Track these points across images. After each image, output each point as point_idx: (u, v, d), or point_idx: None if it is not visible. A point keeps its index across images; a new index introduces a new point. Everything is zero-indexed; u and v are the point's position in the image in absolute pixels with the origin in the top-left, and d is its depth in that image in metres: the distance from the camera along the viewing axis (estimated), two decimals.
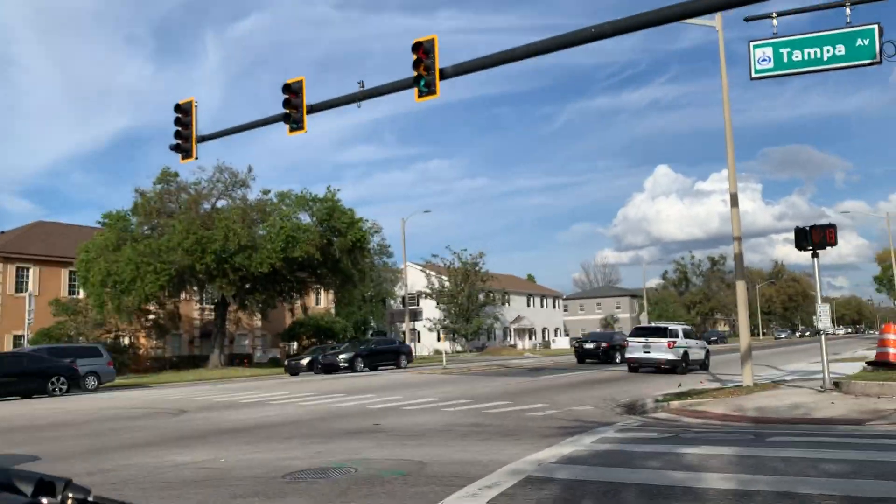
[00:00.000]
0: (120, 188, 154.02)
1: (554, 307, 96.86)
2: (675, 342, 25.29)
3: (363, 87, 14.53)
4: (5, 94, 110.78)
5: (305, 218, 41.45)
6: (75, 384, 24.94)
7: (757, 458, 7.64)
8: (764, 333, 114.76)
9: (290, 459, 8.63)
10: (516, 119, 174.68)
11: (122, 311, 38.70)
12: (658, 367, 25.39)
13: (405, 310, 51.64)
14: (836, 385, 15.00)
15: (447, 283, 70.15)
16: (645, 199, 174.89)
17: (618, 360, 32.34)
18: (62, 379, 24.25)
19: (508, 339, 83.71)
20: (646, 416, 12.79)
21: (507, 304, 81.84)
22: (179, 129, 16.86)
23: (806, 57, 12.21)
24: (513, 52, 12.91)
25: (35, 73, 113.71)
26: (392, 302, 71.79)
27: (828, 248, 15.45)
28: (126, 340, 45.08)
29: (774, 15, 12.63)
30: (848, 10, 11.88)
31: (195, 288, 43.87)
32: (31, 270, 44.46)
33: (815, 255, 15.61)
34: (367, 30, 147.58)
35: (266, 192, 42.59)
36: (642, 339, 26.05)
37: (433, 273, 70.90)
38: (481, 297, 71.32)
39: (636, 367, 26.18)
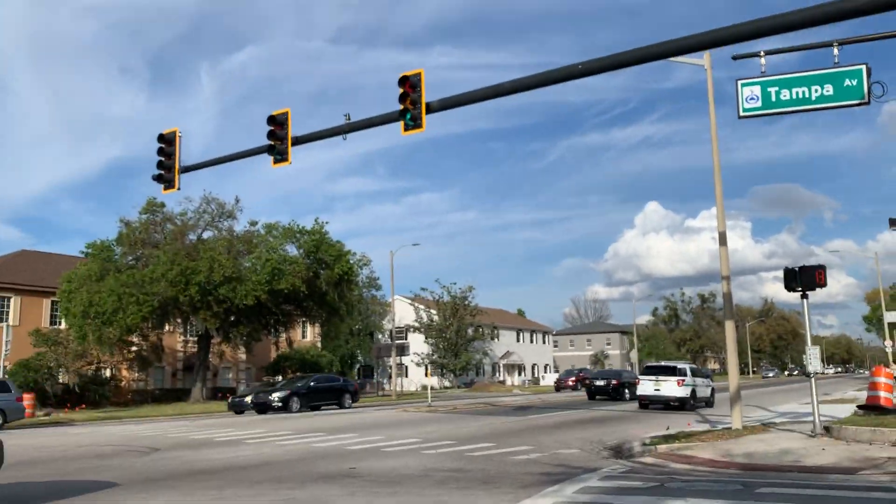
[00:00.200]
0: (109, 218, 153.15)
1: (544, 342, 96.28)
2: (683, 380, 26.82)
3: (349, 119, 14.37)
4: None
5: (292, 250, 41.12)
6: None
7: None
8: (754, 371, 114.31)
9: None
10: (508, 154, 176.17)
11: (104, 343, 37.97)
12: (667, 404, 26.89)
13: (392, 344, 51.05)
14: (827, 430, 14.64)
15: (436, 317, 69.62)
16: (635, 234, 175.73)
17: (627, 397, 34.28)
18: None
19: (497, 374, 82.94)
20: (633, 461, 12.38)
21: (496, 339, 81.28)
22: (162, 159, 16.63)
23: (794, 96, 12.10)
24: (499, 88, 12.78)
25: (28, 100, 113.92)
26: (380, 336, 71.11)
27: (817, 289, 15.23)
28: (108, 372, 44.22)
29: (762, 54, 12.54)
30: (836, 51, 11.80)
31: (179, 320, 43.20)
32: (12, 300, 43.73)
33: (804, 297, 15.37)
34: (361, 64, 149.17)
35: (253, 224, 42.31)
36: (653, 377, 27.47)
37: (422, 307, 70.40)
38: (470, 331, 70.80)
39: (647, 403, 27.60)
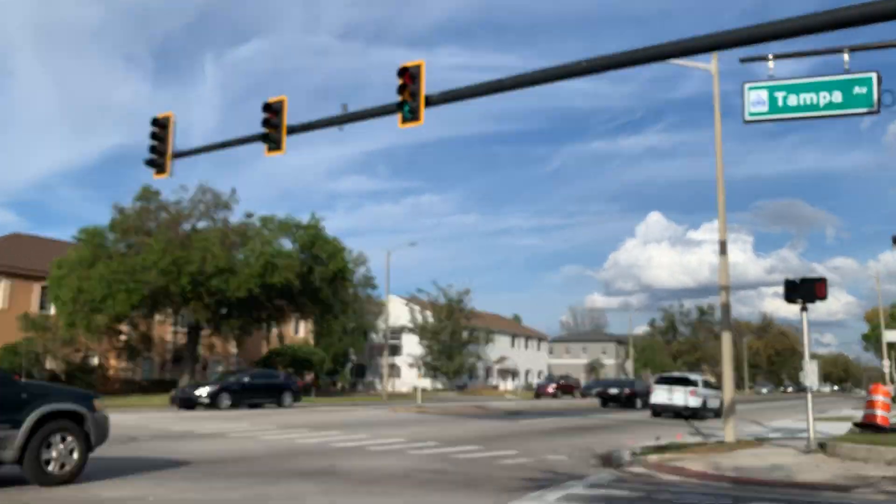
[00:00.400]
0: (107, 206, 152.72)
1: (539, 349, 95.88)
2: (696, 390, 28.02)
3: (346, 110, 14.03)
4: None
5: (288, 244, 40.71)
6: None
7: None
8: (750, 387, 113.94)
9: (223, 502, 7.81)
10: (511, 158, 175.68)
11: (93, 330, 37.56)
12: (679, 413, 27.89)
13: (385, 343, 50.66)
14: (822, 446, 14.27)
15: (431, 319, 69.21)
16: (636, 244, 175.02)
17: (638, 406, 35.77)
18: None
19: (491, 379, 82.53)
20: (621, 470, 12.00)
21: (491, 344, 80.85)
22: (155, 143, 16.24)
23: (802, 102, 11.75)
24: (501, 83, 12.45)
25: (31, 85, 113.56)
26: (374, 335, 70.70)
27: (817, 301, 14.86)
28: (95, 360, 43.79)
29: (771, 57, 12.18)
30: (846, 56, 11.47)
31: (169, 310, 42.76)
32: (1, 283, 43.30)
33: (804, 309, 15.00)
34: (368, 61, 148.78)
35: (249, 216, 41.84)
36: (667, 387, 28.75)
37: (417, 308, 69.99)
38: (465, 334, 70.36)
39: (660, 411, 28.63)
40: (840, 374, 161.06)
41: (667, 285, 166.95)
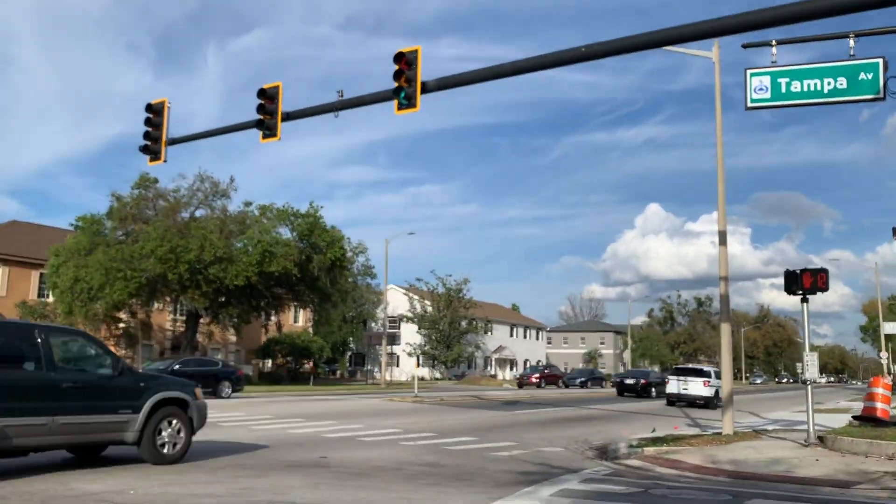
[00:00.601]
0: (108, 194, 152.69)
1: (537, 339, 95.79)
2: (709, 381, 29.31)
3: (342, 96, 13.79)
4: (1, 93, 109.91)
5: (286, 232, 40.48)
6: None
7: None
8: (747, 377, 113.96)
9: (204, 497, 7.62)
10: (511, 149, 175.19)
11: (91, 318, 37.40)
12: (693, 403, 29.43)
13: (384, 332, 50.53)
14: (821, 440, 14.09)
15: (430, 308, 69.07)
16: (635, 235, 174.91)
17: (653, 395, 37.42)
18: None
19: (489, 368, 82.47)
20: (617, 463, 11.84)
21: (489, 333, 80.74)
22: (149, 129, 16.01)
23: (805, 88, 11.46)
24: (500, 69, 12.22)
25: (33, 73, 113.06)
26: (373, 324, 70.58)
27: (818, 293, 14.65)
28: None
29: (774, 43, 11.88)
30: (852, 42, 11.16)
31: (168, 298, 42.59)
32: (0, 270, 43.12)
33: (804, 300, 14.79)
34: (368, 53, 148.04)
35: (248, 204, 41.63)
36: (682, 378, 30.19)
37: (416, 297, 69.85)
38: (463, 324, 70.26)
39: (674, 401, 30.18)
40: (837, 366, 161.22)
41: (665, 276, 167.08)
